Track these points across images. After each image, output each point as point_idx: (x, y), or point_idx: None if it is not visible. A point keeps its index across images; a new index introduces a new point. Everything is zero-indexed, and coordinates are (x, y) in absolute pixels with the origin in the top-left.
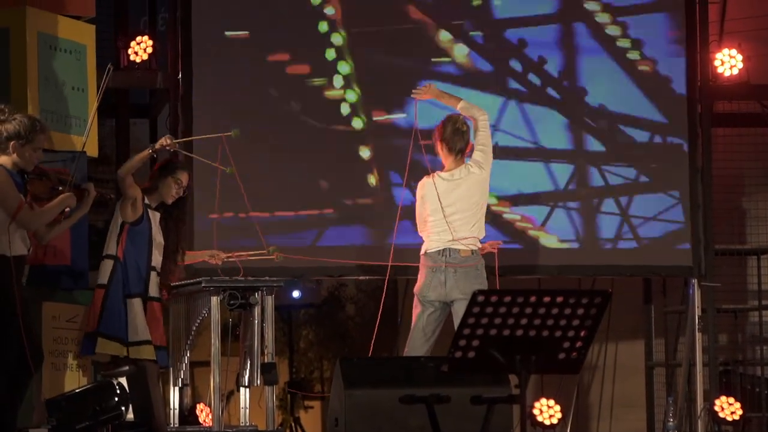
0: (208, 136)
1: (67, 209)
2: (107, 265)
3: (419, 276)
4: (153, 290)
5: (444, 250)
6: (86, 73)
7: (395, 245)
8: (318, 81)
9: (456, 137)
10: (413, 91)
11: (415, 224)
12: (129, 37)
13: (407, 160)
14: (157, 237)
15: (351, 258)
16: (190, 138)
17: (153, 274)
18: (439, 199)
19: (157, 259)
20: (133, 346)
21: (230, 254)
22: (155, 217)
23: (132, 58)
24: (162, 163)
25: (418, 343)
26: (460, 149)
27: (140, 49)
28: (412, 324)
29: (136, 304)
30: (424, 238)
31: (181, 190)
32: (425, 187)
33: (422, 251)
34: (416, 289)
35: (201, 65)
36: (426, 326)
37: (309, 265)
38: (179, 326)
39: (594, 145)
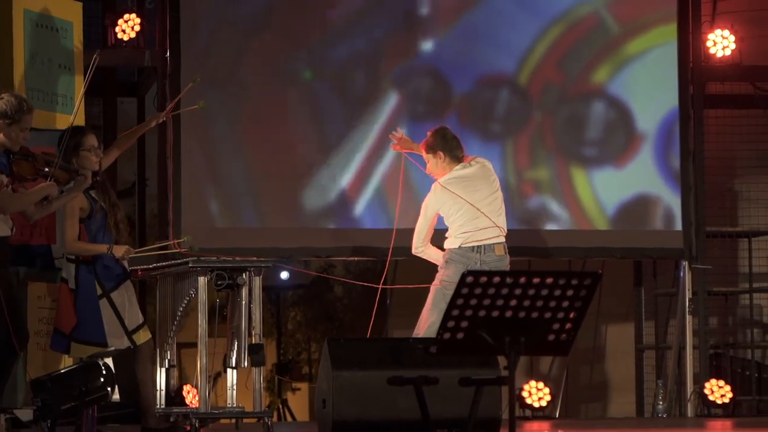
0: (162, 244)
1: (50, 197)
2: (70, 268)
3: (446, 269)
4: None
5: (479, 247)
6: (73, 51)
7: (388, 229)
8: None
9: (454, 143)
10: (390, 142)
11: None
12: (116, 14)
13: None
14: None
15: (342, 240)
16: (146, 250)
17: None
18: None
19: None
20: (133, 334)
21: (138, 250)
22: (119, 253)
23: (119, 36)
24: (66, 144)
25: None
26: (463, 155)
27: (128, 27)
28: (434, 315)
29: (121, 292)
30: (424, 254)
31: (99, 152)
32: (441, 193)
33: (454, 245)
34: (444, 281)
35: (189, 43)
36: None
37: (297, 245)
38: (166, 307)
39: (584, 126)
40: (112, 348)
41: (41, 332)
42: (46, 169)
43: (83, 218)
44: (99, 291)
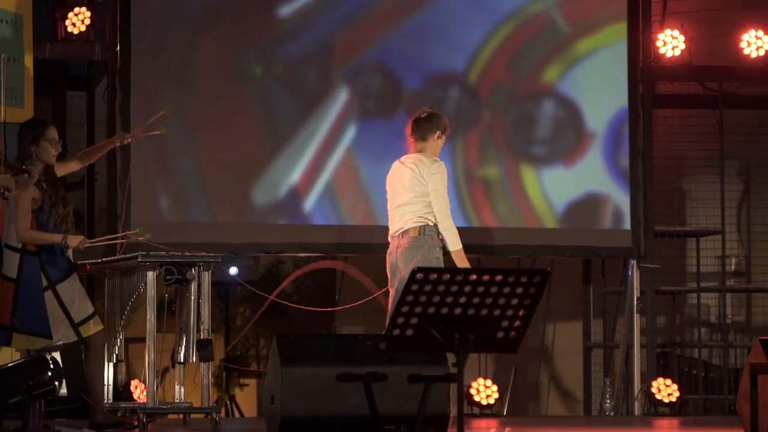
0: (116, 236)
1: (5, 191)
2: (13, 258)
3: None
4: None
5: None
6: (23, 44)
7: (337, 226)
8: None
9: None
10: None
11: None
12: (67, 8)
13: None
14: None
15: (292, 236)
16: (100, 241)
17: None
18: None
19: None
20: (81, 326)
21: (92, 241)
22: (74, 242)
23: (69, 29)
24: (27, 127)
25: None
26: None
27: (78, 20)
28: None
29: (68, 284)
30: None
31: (58, 146)
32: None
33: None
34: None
35: (140, 38)
36: None
37: (247, 241)
38: (114, 301)
39: (534, 125)
40: (60, 342)
41: None
42: None
43: (34, 209)
44: (44, 283)
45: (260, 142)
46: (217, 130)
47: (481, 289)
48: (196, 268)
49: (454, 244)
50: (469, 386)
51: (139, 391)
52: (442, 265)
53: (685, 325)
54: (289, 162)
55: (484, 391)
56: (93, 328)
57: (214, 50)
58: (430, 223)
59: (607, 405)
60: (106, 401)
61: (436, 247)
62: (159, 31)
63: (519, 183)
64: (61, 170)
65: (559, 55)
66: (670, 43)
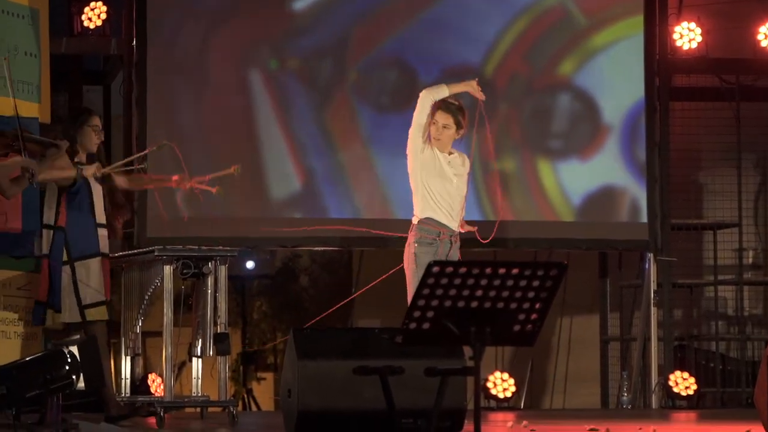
0: (137, 155)
1: (31, 175)
2: (46, 236)
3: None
4: (103, 246)
5: None
6: (39, 38)
7: (353, 219)
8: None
9: None
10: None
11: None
12: (83, 2)
13: None
14: (97, 192)
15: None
16: (117, 165)
17: (102, 231)
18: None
19: (102, 216)
20: (87, 309)
21: (198, 181)
22: (89, 172)
23: (86, 24)
24: (71, 114)
25: None
26: None
27: (94, 14)
28: None
29: (87, 265)
30: None
31: (101, 134)
32: None
33: None
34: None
35: (155, 32)
36: None
37: (262, 235)
38: (132, 295)
39: (550, 118)
40: (76, 337)
41: (6, 320)
42: (14, 144)
43: (64, 186)
44: (65, 257)
45: (276, 136)
46: (232, 124)
47: (497, 282)
48: (213, 262)
49: (440, 92)
50: (486, 379)
51: (156, 385)
52: (418, 260)
53: (703, 318)
54: (305, 156)
55: (501, 384)
56: (95, 315)
57: (230, 44)
58: (414, 221)
59: (625, 398)
60: (123, 395)
61: (412, 245)
62: (174, 24)
63: (535, 176)
64: (118, 179)
65: (575, 48)
66: (687, 35)
